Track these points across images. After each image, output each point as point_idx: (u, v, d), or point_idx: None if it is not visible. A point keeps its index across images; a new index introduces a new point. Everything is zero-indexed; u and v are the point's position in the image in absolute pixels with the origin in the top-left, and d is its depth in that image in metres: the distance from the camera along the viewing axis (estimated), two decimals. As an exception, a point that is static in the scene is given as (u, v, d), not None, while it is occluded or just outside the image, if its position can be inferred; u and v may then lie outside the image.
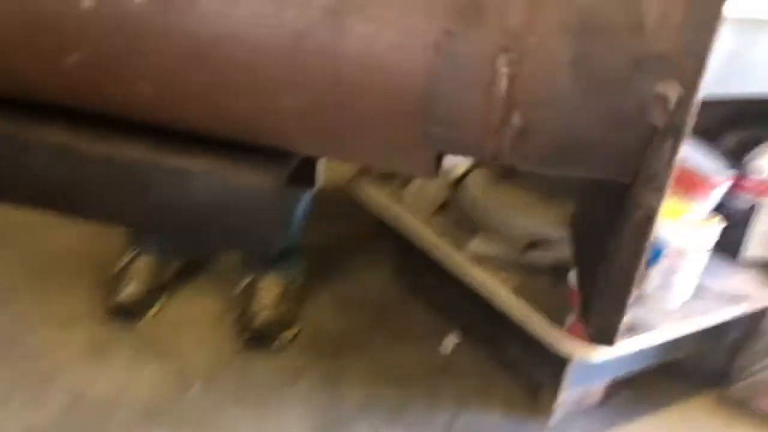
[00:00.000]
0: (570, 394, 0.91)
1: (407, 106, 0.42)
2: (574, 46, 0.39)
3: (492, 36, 0.40)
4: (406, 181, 1.02)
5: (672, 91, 0.38)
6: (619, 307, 0.46)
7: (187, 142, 0.48)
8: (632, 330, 0.83)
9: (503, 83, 0.40)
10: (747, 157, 0.98)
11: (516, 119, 0.41)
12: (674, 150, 0.40)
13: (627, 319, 0.46)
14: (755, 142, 1.00)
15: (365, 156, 0.47)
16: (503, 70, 0.40)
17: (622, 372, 0.94)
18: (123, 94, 0.45)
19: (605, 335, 0.47)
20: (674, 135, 0.40)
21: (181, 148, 0.48)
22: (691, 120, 0.39)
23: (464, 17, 0.40)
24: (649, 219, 0.42)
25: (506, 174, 0.90)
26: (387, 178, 1.03)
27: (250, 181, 0.48)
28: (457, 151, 0.44)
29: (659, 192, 0.41)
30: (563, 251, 0.86)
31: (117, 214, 0.51)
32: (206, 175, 0.48)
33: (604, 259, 0.46)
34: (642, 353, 0.87)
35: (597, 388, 0.96)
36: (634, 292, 0.45)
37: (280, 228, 0.84)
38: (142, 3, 0.41)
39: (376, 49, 0.41)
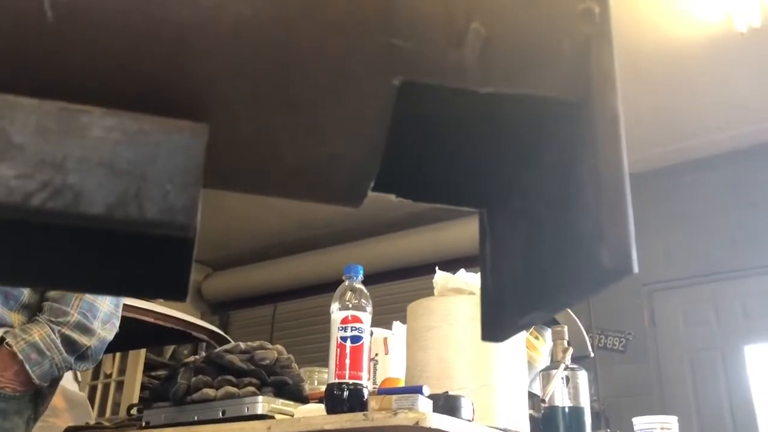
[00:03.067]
0: None
1: (369, 14, 0.41)
2: (505, -21, 0.45)
3: (438, -36, 0.44)
4: None
5: (594, 5, 0.45)
6: (625, 218, 0.40)
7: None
8: None
9: (458, -6, 0.43)
10: None
11: (476, 26, 0.42)
12: (611, 53, 0.44)
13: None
14: None
15: (320, 80, 0.40)
16: (456, -17, 0.43)
17: None
18: None
19: (623, 256, 0.39)
20: (607, 41, 0.45)
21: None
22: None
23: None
24: (617, 117, 0.43)
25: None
26: None
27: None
28: (419, 72, 0.42)
29: (615, 93, 0.43)
30: None
31: None
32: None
33: (574, 191, 0.42)
34: None
35: None
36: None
37: None
38: None
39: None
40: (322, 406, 1.64)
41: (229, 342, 2.56)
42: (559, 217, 0.46)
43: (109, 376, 4.31)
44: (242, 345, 1.84)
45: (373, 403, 1.53)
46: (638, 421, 2.67)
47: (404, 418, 1.46)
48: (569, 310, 3.11)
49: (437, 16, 0.42)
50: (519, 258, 0.50)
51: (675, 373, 4.56)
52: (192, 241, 0.41)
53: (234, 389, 1.71)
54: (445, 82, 0.42)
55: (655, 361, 4.64)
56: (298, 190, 0.46)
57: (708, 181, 4.63)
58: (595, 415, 3.81)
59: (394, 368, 2.23)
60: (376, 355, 2.27)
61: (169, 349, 5.10)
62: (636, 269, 0.39)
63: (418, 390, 1.52)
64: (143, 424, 1.79)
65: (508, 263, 0.51)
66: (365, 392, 1.57)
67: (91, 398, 4.02)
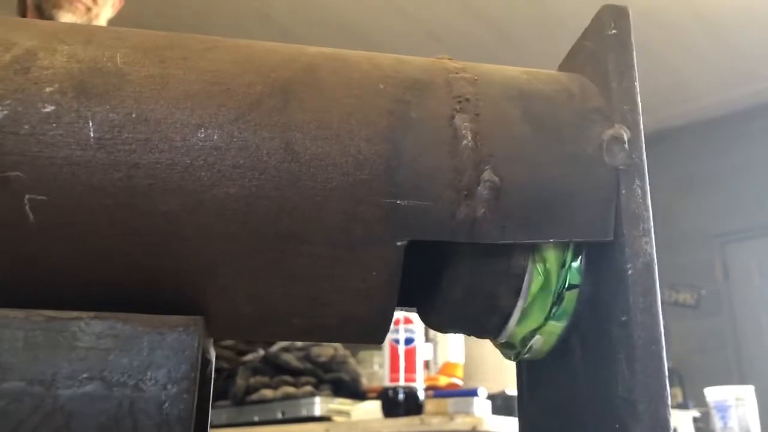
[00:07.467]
0: None
1: (368, 177, 0.37)
2: (521, 108, 0.41)
3: (444, 101, 0.40)
4: None
5: (623, 132, 0.40)
6: (662, 392, 0.37)
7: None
8: None
9: (467, 138, 0.39)
10: None
11: (488, 175, 0.38)
12: (644, 189, 0.40)
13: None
14: None
15: (320, 262, 0.38)
16: (464, 125, 0.39)
17: None
18: None
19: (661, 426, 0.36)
20: (639, 173, 0.40)
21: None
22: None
23: (413, 89, 0.40)
24: (649, 266, 0.38)
25: None
26: None
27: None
28: (426, 231, 0.38)
29: (648, 234, 0.39)
30: None
31: None
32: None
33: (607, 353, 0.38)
34: None
35: None
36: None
37: None
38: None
39: (328, 117, 0.38)
40: (378, 405, 1.65)
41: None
42: (593, 370, 0.42)
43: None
44: (298, 342, 1.86)
45: (429, 407, 1.53)
46: (711, 393, 2.57)
47: (461, 423, 1.45)
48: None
49: (443, 169, 0.38)
50: (553, 413, 0.47)
51: (751, 327, 4.41)
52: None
53: (291, 389, 1.74)
54: (455, 239, 0.38)
55: (729, 316, 4.50)
56: (314, 339, 0.44)
57: (781, 126, 4.37)
58: (669, 372, 3.72)
59: (453, 349, 2.22)
60: (435, 334, 2.26)
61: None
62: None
63: (473, 393, 1.51)
64: (208, 423, 1.84)
65: (544, 416, 0.48)
66: (420, 395, 1.56)
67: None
